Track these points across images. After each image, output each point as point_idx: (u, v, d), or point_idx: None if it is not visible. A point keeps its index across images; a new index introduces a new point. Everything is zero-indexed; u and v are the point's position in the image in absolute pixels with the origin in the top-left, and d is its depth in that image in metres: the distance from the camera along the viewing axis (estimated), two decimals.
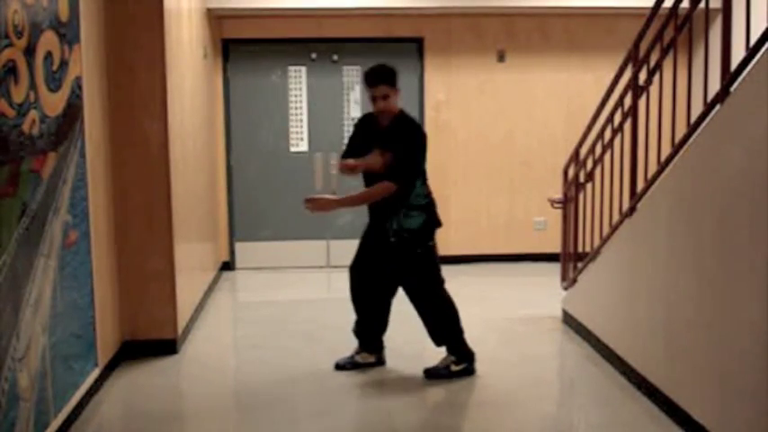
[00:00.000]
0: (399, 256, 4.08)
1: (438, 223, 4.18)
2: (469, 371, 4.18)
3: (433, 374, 4.14)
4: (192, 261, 5.39)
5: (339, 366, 4.29)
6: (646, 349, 3.83)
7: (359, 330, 4.33)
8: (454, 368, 4.15)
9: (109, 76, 4.27)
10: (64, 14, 3.42)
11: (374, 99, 4.02)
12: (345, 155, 4.20)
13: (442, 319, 4.17)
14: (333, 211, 4.14)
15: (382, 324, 4.33)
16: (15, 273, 2.83)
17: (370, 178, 4.08)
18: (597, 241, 4.81)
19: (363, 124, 4.24)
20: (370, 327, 4.31)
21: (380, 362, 4.33)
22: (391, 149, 3.96)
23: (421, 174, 4.08)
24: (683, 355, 3.41)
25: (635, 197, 4.14)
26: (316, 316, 5.63)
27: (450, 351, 4.19)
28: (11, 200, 2.83)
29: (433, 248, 4.15)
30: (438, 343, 4.21)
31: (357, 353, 4.32)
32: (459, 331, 4.18)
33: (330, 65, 7.32)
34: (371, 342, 4.32)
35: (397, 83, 4.03)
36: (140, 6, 4.40)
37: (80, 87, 3.67)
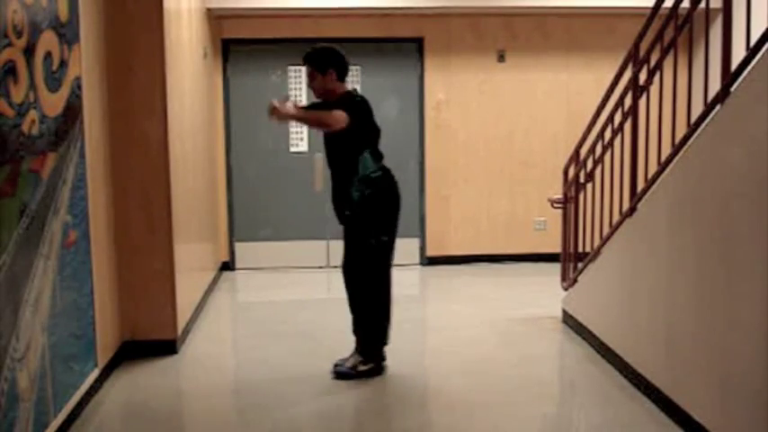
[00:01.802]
0: (348, 227, 4.13)
1: (391, 199, 4.16)
2: (377, 371, 4.17)
3: (341, 375, 4.14)
4: (191, 261, 5.39)
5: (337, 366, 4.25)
6: (646, 349, 3.83)
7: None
8: (361, 368, 4.15)
9: (109, 76, 4.27)
10: (63, 14, 3.42)
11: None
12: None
13: (361, 305, 4.17)
14: (290, 119, 4.12)
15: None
16: (15, 273, 2.83)
17: (331, 148, 4.18)
18: (597, 241, 4.81)
19: (312, 105, 4.37)
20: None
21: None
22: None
23: (367, 143, 4.10)
24: (683, 355, 3.41)
25: (635, 197, 4.14)
26: (315, 316, 5.63)
27: (358, 349, 4.19)
28: (10, 200, 2.83)
29: (375, 232, 4.11)
30: (355, 333, 4.23)
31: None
32: (375, 332, 4.18)
33: None
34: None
35: (327, 67, 4.10)
36: (140, 6, 4.40)
37: (80, 87, 3.67)
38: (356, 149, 4.05)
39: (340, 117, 3.95)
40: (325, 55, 4.15)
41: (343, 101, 4.08)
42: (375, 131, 4.17)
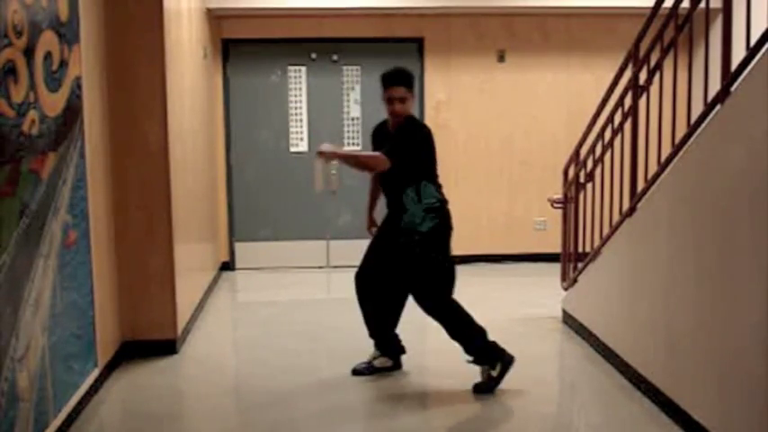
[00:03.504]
0: (406, 257, 3.99)
1: (450, 227, 4.10)
2: (507, 367, 3.98)
3: (481, 389, 3.96)
4: (191, 261, 5.39)
5: (356, 372, 4.21)
6: (646, 349, 3.83)
7: (374, 334, 4.25)
8: (493, 373, 3.97)
9: (109, 76, 4.27)
10: (63, 14, 3.42)
11: (391, 101, 3.99)
12: None
13: (456, 326, 4.04)
14: (335, 158, 4.03)
15: (392, 325, 4.25)
16: (15, 273, 2.83)
17: (384, 179, 4.09)
18: (597, 241, 4.81)
19: (376, 133, 4.25)
20: (383, 330, 4.25)
21: (398, 365, 4.27)
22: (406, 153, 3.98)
23: (428, 174, 4.05)
24: (683, 355, 3.41)
25: (635, 197, 4.14)
26: (316, 316, 5.63)
27: (478, 361, 4.02)
28: (10, 200, 2.83)
29: (442, 259, 4.01)
30: (467, 352, 4.05)
31: (374, 358, 4.24)
32: (477, 335, 4.03)
33: (330, 65, 7.32)
34: (388, 345, 4.26)
35: (413, 89, 4.05)
36: (140, 6, 4.40)
37: (80, 87, 3.67)
38: (415, 179, 3.99)
39: (381, 160, 3.89)
40: (413, 75, 4.06)
41: (409, 131, 4.00)
42: (434, 163, 4.11)
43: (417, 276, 3.99)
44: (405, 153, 3.94)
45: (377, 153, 3.93)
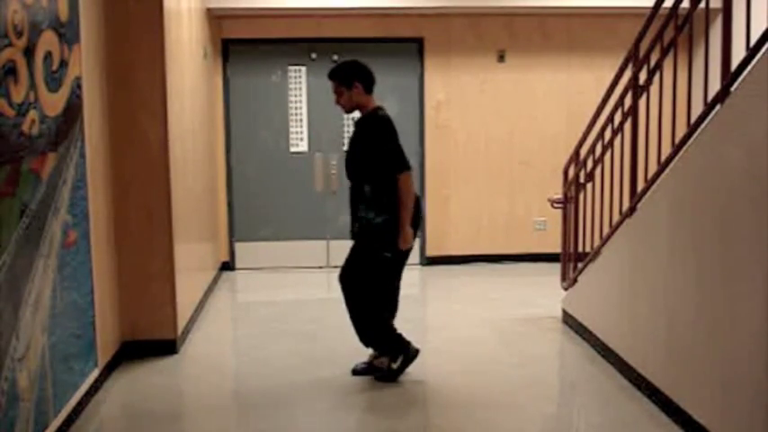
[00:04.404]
0: (358, 244, 4.08)
1: (414, 224, 4.09)
2: (409, 360, 4.14)
3: (380, 377, 4.13)
4: (191, 261, 5.39)
5: (356, 372, 4.22)
6: (646, 349, 3.83)
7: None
8: (394, 366, 4.12)
9: (109, 76, 4.27)
10: (64, 14, 3.42)
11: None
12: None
13: (362, 316, 4.12)
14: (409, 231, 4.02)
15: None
16: (15, 273, 2.83)
17: (355, 187, 4.11)
18: (597, 241, 4.81)
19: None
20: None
21: None
22: (362, 147, 4.06)
23: (395, 170, 4.02)
24: (683, 355, 3.41)
25: (635, 197, 4.14)
26: (316, 316, 5.63)
27: (380, 353, 4.17)
28: (11, 200, 2.83)
29: (390, 257, 4.05)
30: (365, 344, 4.20)
31: (374, 357, 4.24)
32: (385, 333, 4.13)
33: (330, 65, 7.24)
34: (393, 343, 4.22)
35: (352, 81, 4.09)
36: (140, 6, 4.40)
37: (80, 87, 3.67)
38: (383, 174, 3.98)
39: (406, 182, 3.95)
40: (349, 69, 4.12)
41: (375, 126, 4.03)
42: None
43: (358, 258, 4.07)
44: (399, 155, 4.01)
45: (399, 185, 3.94)
